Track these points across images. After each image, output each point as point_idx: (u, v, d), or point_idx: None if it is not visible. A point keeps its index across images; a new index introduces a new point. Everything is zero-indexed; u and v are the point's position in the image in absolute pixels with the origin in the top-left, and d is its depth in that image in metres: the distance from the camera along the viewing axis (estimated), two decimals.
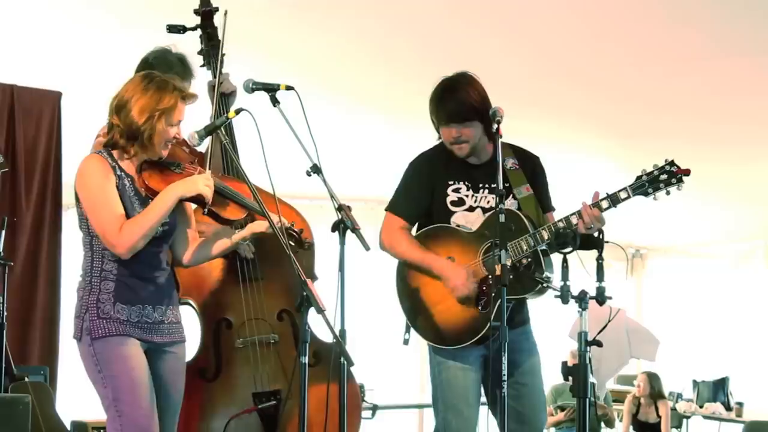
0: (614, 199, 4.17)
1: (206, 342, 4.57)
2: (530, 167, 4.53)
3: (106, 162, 3.73)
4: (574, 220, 4.18)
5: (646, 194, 4.15)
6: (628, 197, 4.17)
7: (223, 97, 4.66)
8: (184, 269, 4.43)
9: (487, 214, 4.37)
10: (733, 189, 9.34)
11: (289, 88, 4.00)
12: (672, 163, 4.17)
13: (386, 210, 4.58)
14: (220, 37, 4.70)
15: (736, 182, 9.13)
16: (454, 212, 4.44)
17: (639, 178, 4.17)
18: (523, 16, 6.23)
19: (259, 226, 4.00)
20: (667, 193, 4.17)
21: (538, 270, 4.24)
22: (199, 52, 4.83)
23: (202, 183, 3.77)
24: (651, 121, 7.76)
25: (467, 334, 4.29)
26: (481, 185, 4.44)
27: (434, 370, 4.47)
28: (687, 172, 4.15)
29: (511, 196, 4.39)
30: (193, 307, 4.62)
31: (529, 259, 4.23)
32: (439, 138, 4.48)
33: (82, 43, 6.42)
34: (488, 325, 4.12)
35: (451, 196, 4.45)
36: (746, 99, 7.27)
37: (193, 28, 4.81)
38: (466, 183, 4.45)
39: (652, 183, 4.15)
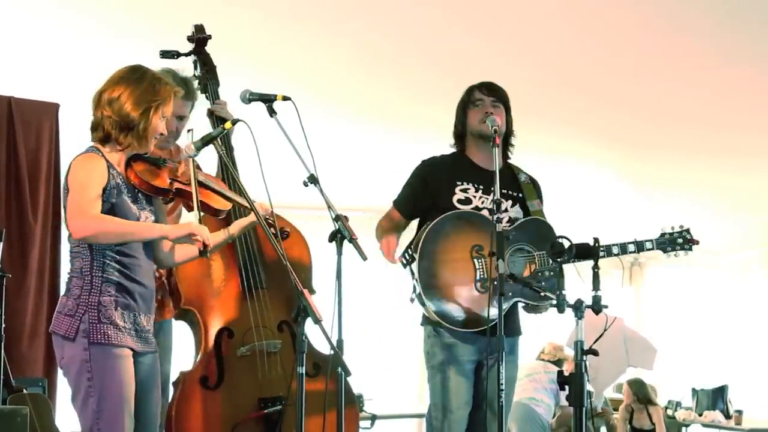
0: (639, 246, 4.55)
1: (207, 351, 4.55)
2: (537, 186, 4.77)
3: (102, 161, 3.67)
4: None
5: (665, 250, 4.64)
6: (653, 248, 4.62)
7: (219, 121, 4.66)
8: (186, 280, 4.47)
9: (526, 218, 4.58)
10: (732, 198, 9.34)
11: (285, 98, 4.00)
12: (688, 231, 4.65)
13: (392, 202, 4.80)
14: (214, 63, 4.82)
15: (734, 191, 9.13)
16: (460, 210, 4.54)
17: (662, 235, 4.63)
18: (524, 26, 6.25)
19: (244, 220, 4.03)
20: (676, 255, 4.67)
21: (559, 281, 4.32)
22: (192, 78, 4.87)
23: (191, 229, 3.68)
24: (651, 129, 7.76)
25: (477, 323, 4.37)
26: (492, 188, 4.45)
27: (431, 370, 4.60)
28: (696, 243, 4.66)
29: (518, 204, 4.64)
30: (195, 317, 4.61)
31: (552, 273, 4.31)
32: (456, 145, 4.73)
33: (78, 54, 6.42)
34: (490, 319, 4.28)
35: (459, 195, 4.58)
36: (747, 108, 7.27)
37: (187, 54, 4.86)
38: (476, 185, 4.61)
39: (671, 243, 4.63)
